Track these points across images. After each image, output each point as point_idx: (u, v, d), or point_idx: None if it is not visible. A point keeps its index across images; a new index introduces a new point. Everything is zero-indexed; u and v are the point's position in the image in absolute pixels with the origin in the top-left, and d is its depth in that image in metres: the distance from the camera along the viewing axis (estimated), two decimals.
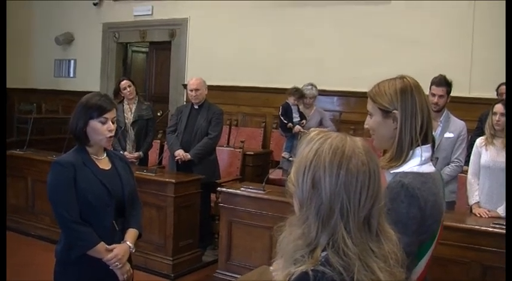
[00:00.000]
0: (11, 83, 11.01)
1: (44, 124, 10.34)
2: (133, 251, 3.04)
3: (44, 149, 7.42)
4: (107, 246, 2.89)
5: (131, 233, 3.05)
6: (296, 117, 6.76)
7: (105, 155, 3.05)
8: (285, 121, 6.70)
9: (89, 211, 2.85)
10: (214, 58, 8.90)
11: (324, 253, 1.45)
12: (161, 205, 5.63)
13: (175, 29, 9.52)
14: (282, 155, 6.93)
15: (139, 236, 3.14)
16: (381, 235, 1.52)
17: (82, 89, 9.64)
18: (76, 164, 2.86)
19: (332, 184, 1.46)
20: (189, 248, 5.84)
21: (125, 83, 6.50)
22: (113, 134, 2.93)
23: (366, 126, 2.24)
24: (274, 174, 6.42)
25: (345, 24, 7.76)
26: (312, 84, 6.90)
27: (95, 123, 2.88)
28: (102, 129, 2.89)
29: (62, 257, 2.91)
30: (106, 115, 2.88)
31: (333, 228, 1.45)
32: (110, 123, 2.91)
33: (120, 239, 2.98)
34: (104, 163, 3.01)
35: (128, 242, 3.00)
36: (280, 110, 6.85)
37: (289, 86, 6.97)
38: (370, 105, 2.20)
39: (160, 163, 7.14)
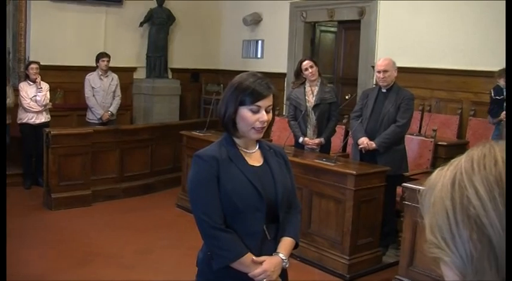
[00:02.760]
0: (201, 64, 11.22)
1: None
2: (287, 265, 2.49)
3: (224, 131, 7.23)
4: (255, 258, 2.37)
5: (286, 243, 2.50)
6: None
7: (257, 147, 2.53)
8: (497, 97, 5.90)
9: (235, 215, 2.37)
10: (406, 37, 8.13)
11: None
12: (340, 198, 5.13)
13: (365, 6, 8.87)
14: None
15: (296, 246, 2.57)
16: None
17: (269, 69, 9.48)
18: (220, 158, 2.39)
19: (496, 206, 0.83)
20: (368, 247, 5.29)
21: (306, 63, 6.03)
22: (264, 125, 2.39)
23: None
24: None
25: None
26: None
27: (244, 111, 2.37)
28: (251, 119, 2.37)
29: (203, 267, 2.48)
30: (259, 103, 2.37)
31: None
32: (263, 112, 2.38)
33: (271, 249, 2.45)
34: (254, 157, 2.50)
35: (280, 255, 2.45)
36: (491, 92, 6.08)
37: (491, 68, 6.18)
38: None
39: (344, 150, 6.64)
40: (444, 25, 7.73)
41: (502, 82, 6.03)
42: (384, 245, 5.56)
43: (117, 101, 8.33)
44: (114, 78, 8.28)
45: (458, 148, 6.66)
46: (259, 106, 2.37)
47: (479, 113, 7.33)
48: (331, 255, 5.19)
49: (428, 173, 6.02)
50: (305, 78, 6.10)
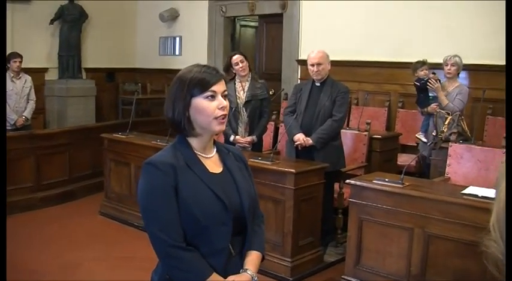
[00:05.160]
0: (116, 63, 10.78)
1: (150, 105, 9.90)
2: None
3: (149, 132, 6.90)
4: (221, 278, 2.06)
5: (253, 258, 2.20)
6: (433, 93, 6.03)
7: (214, 151, 2.22)
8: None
9: (196, 230, 2.04)
10: (331, 30, 8.04)
11: None
12: (279, 198, 4.88)
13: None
14: (416, 135, 6.36)
15: (262, 259, 2.28)
16: None
17: None
18: (178, 165, 2.06)
19: None
20: (310, 247, 5.08)
21: (236, 58, 5.76)
22: (225, 112, 2.09)
23: None
24: (407, 160, 5.55)
25: None
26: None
27: (199, 102, 2.06)
28: (210, 107, 2.05)
29: None
30: (213, 88, 2.06)
31: None
32: (220, 98, 2.08)
33: (237, 266, 2.15)
34: (213, 163, 2.18)
35: (249, 271, 2.15)
36: (415, 84, 6.19)
37: (416, 60, 6.21)
38: None
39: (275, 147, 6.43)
40: (369, 17, 7.69)
41: (420, 73, 6.11)
42: (324, 244, 5.38)
43: (31, 104, 7.71)
44: (27, 80, 7.68)
45: (392, 140, 6.59)
46: (214, 91, 2.07)
47: (407, 105, 7.33)
48: (272, 258, 4.91)
49: (364, 167, 5.91)
50: (235, 74, 5.83)
